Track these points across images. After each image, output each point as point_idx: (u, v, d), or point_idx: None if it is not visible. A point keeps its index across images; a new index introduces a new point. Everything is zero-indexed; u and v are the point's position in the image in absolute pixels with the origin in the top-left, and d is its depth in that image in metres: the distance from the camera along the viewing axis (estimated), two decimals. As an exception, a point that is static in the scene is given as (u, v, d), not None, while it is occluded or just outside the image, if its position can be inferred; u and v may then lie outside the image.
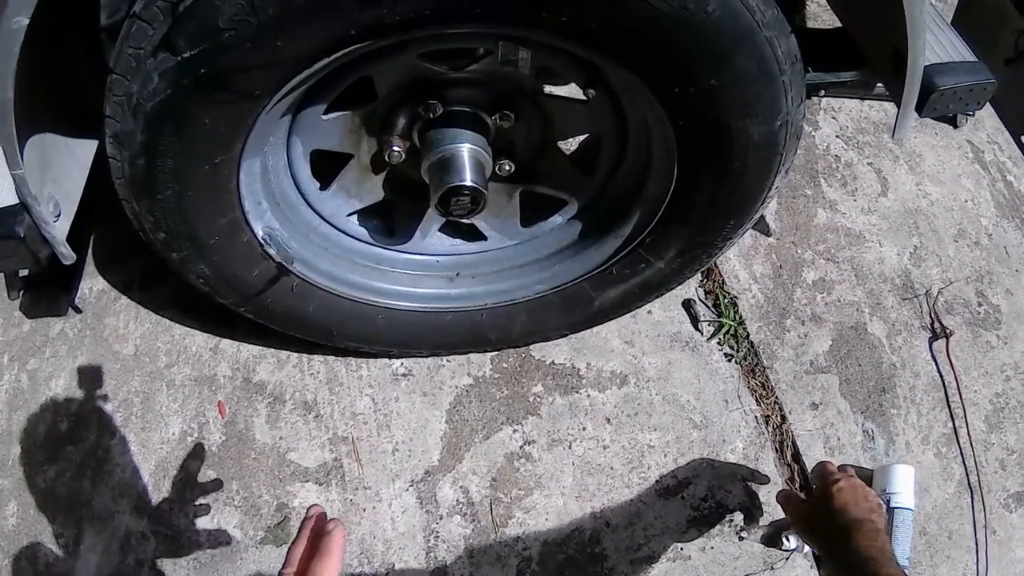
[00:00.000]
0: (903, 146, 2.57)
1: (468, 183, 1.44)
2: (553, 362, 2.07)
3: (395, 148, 1.51)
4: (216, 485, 1.87)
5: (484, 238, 1.80)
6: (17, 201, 1.34)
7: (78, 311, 2.03)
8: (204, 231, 1.46)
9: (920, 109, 1.37)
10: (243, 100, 1.23)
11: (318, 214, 1.68)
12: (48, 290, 2.00)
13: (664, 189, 1.52)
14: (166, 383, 1.95)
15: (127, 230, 1.46)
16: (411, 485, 1.90)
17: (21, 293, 1.99)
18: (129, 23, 1.12)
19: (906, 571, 1.78)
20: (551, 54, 1.39)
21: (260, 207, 1.51)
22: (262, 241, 1.53)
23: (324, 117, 1.46)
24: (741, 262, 2.26)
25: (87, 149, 1.54)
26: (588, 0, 1.11)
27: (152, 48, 1.11)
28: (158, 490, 1.85)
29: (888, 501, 1.86)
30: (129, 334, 1.99)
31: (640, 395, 2.06)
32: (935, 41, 1.40)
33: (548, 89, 1.57)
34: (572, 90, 1.53)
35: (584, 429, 2.00)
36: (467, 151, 1.46)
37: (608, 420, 2.02)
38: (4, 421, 1.94)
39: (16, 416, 1.95)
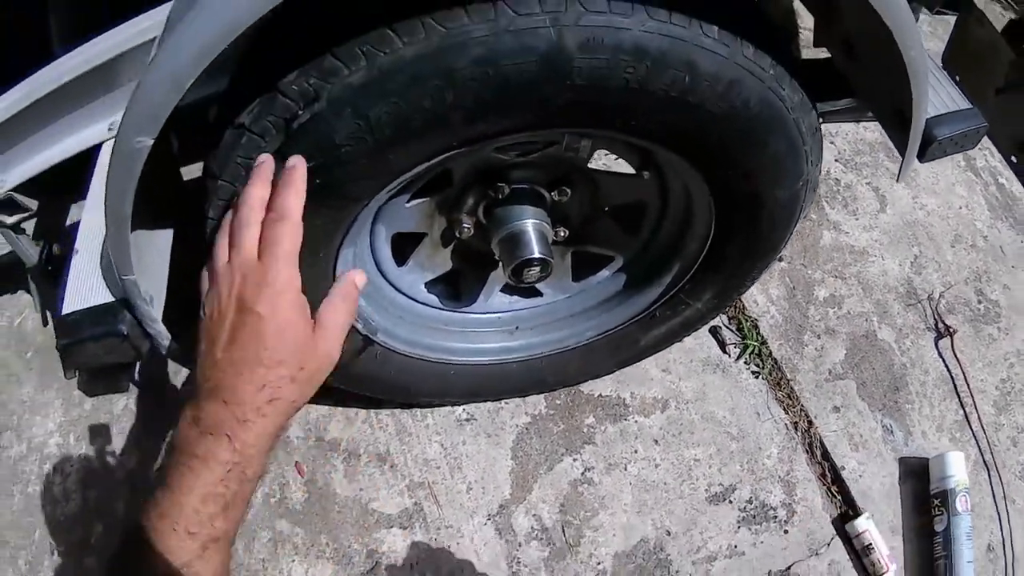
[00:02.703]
0: (898, 163, 2.69)
1: (537, 255, 1.58)
2: (600, 395, 2.23)
3: (465, 225, 1.64)
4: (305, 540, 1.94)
5: (540, 294, 1.94)
6: (113, 299, 1.35)
7: (139, 386, 2.04)
8: None
9: (921, 157, 1.49)
10: (351, 204, 1.31)
11: (395, 288, 1.80)
12: (108, 367, 1.89)
13: (701, 245, 1.68)
14: (244, 450, 2.03)
15: (186, 300, 1.31)
16: (488, 519, 2.04)
17: (77, 372, 1.91)
18: (237, 133, 1.16)
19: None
20: (611, 143, 1.56)
21: None
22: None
23: (407, 205, 1.58)
24: (758, 287, 2.44)
25: (167, 237, 1.47)
26: (653, 110, 1.24)
27: (262, 159, 1.17)
28: (250, 552, 1.93)
29: (964, 481, 2.10)
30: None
31: (681, 416, 2.24)
32: (934, 95, 1.50)
33: (600, 165, 1.71)
34: (621, 164, 1.69)
35: (636, 451, 2.18)
36: (531, 225, 1.60)
37: (656, 441, 2.19)
38: (80, 500, 1.96)
39: (90, 495, 1.98)
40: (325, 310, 1.11)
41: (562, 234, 1.74)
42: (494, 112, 1.20)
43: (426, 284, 1.85)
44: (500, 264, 1.68)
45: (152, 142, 1.07)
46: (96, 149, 1.51)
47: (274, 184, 1.11)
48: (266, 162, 1.12)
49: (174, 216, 1.39)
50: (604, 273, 1.93)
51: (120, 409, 2.06)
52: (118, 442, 2.03)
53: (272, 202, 1.08)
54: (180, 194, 1.44)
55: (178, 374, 2.15)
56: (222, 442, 1.00)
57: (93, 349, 1.36)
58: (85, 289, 1.37)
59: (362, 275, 1.18)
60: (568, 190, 1.64)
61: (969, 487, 2.15)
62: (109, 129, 1.48)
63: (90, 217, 1.48)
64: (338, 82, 1.10)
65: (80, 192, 1.54)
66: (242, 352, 1.02)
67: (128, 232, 1.20)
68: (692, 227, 1.69)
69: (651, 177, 1.62)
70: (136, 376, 2.07)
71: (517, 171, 1.58)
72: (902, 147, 1.46)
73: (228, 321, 1.04)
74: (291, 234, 1.06)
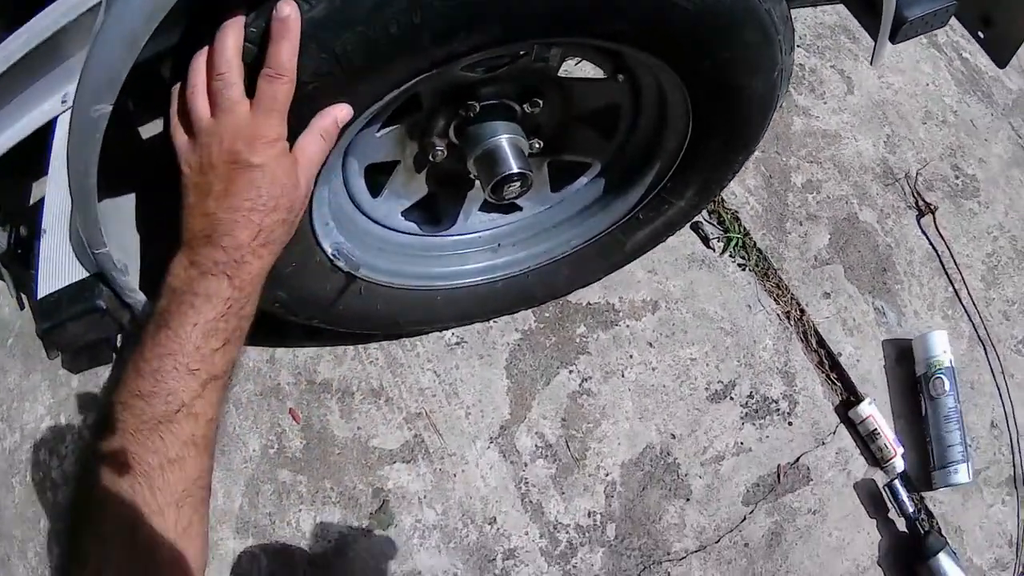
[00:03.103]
0: (860, 44, 2.73)
1: (516, 170, 1.55)
2: (589, 303, 2.21)
3: (438, 148, 1.61)
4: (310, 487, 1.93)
5: (520, 209, 1.91)
6: (88, 274, 1.35)
7: (120, 354, 1.99)
8: (280, 262, 1.45)
9: (893, 38, 1.48)
10: None
11: (372, 220, 1.77)
12: (135, 338, 1.83)
13: (680, 142, 1.66)
14: (233, 404, 1.98)
15: (158, 261, 1.34)
16: (491, 442, 2.03)
17: (60, 352, 1.90)
18: None
19: (963, 415, 2.02)
20: (582, 49, 1.54)
21: (328, 227, 1.59)
22: (331, 257, 1.61)
23: (377, 135, 1.54)
24: (736, 180, 2.38)
25: (130, 202, 1.47)
26: (625, 11, 1.22)
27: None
28: (255, 508, 1.91)
29: (943, 361, 2.09)
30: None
31: (673, 316, 2.22)
32: (902, -24, 1.48)
33: (569, 72, 1.69)
34: (589, 69, 1.67)
35: (631, 357, 2.16)
36: (506, 141, 1.56)
37: (650, 344, 2.18)
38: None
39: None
40: (302, 143, 1.16)
41: (537, 146, 1.71)
42: (463, 29, 1.16)
43: (403, 212, 1.82)
44: (477, 183, 1.67)
45: (111, 108, 1.06)
46: (52, 123, 1.48)
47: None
48: (237, 16, 1.09)
49: (137, 179, 1.38)
50: (583, 180, 1.90)
51: (106, 380, 2.03)
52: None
53: (268, 57, 1.07)
54: (140, 156, 1.43)
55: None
56: (222, 280, 1.05)
57: (74, 328, 1.37)
58: (58, 268, 1.38)
59: (346, 110, 1.19)
60: (539, 101, 1.61)
61: (948, 367, 2.14)
62: (63, 102, 1.45)
63: (53, 194, 1.46)
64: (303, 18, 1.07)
65: (39, 170, 1.52)
66: (237, 200, 1.07)
67: (95, 204, 1.20)
68: (669, 125, 1.67)
69: (624, 79, 1.59)
70: (118, 344, 2.01)
71: (486, 87, 1.54)
72: (874, 30, 1.46)
73: (220, 172, 1.07)
74: (287, 91, 1.09)
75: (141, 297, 1.37)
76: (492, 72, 1.49)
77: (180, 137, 1.12)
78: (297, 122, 1.15)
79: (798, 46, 2.71)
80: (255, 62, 1.07)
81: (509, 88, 1.57)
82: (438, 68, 1.23)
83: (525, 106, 1.61)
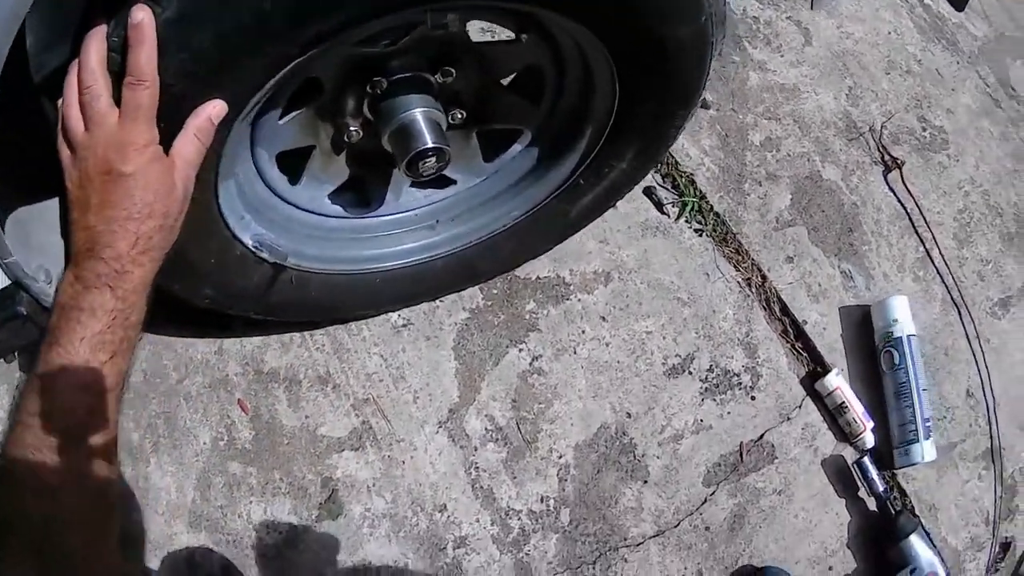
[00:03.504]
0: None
1: (430, 145, 1.49)
2: (538, 277, 2.14)
3: (352, 128, 1.55)
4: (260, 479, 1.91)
5: (453, 182, 1.85)
6: (9, 282, 1.35)
7: None
8: (199, 259, 1.51)
9: None
10: None
11: (296, 207, 1.72)
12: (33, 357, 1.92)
13: (610, 102, 1.58)
14: (183, 397, 1.96)
15: None
16: (440, 426, 1.97)
17: (16, 355, 1.95)
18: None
19: (923, 392, 1.92)
20: (476, 11, 1.46)
21: (244, 220, 1.55)
22: (253, 249, 1.57)
23: (281, 122, 1.49)
24: (689, 140, 2.33)
25: (54, 205, 1.47)
26: None
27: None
28: (207, 501, 1.88)
29: (893, 332, 1.99)
30: (137, 365, 1.98)
31: (626, 288, 2.15)
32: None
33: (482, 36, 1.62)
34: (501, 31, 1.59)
35: (583, 332, 2.09)
36: (420, 114, 1.50)
37: (603, 318, 2.11)
38: None
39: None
40: (177, 145, 1.16)
41: (459, 116, 1.65)
42: (319, 8, 1.13)
43: (329, 196, 1.76)
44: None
45: None
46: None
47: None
48: (97, 27, 1.09)
49: (57, 183, 1.33)
50: (516, 148, 1.82)
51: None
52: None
53: (128, 65, 1.07)
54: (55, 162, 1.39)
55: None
56: (105, 292, 1.06)
57: (0, 335, 1.39)
58: None
59: (219, 106, 1.18)
60: (452, 70, 1.54)
61: (899, 338, 2.08)
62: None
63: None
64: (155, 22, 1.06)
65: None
66: (113, 211, 1.08)
67: None
68: (595, 84, 1.59)
69: (534, 39, 1.52)
70: None
71: (392, 61, 1.48)
72: None
73: (96, 185, 1.09)
74: (149, 95, 1.09)
75: None
76: (392, 45, 1.43)
77: (64, 152, 1.12)
78: (171, 125, 1.14)
79: (751, -1, 2.63)
80: (121, 70, 1.07)
81: (416, 60, 1.50)
82: (310, 50, 1.18)
83: (437, 76, 1.54)
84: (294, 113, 1.50)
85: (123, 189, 1.09)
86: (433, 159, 1.53)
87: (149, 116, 1.09)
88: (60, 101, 1.11)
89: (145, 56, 1.05)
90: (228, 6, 1.07)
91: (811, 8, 1.67)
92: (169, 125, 1.13)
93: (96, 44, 1.07)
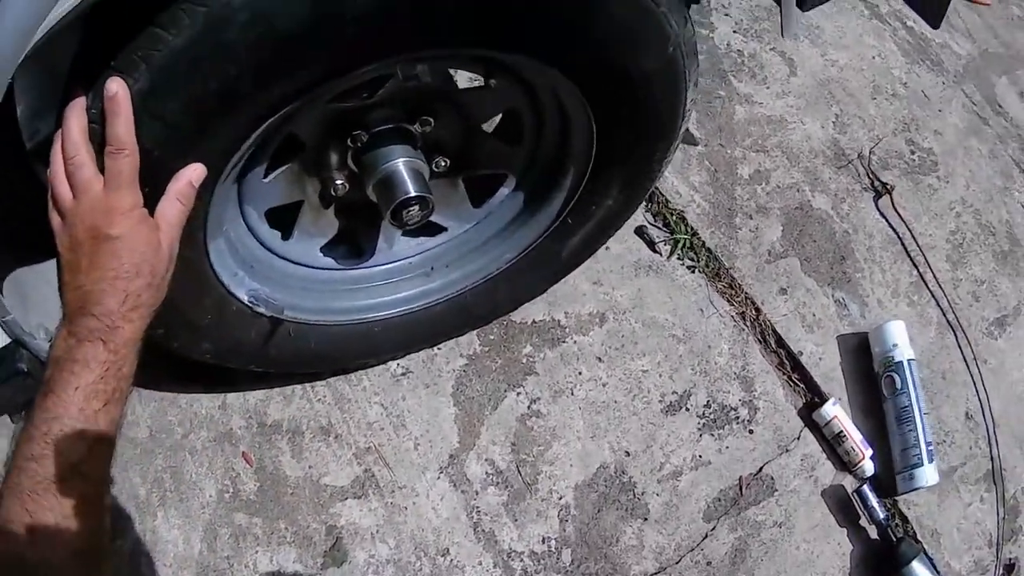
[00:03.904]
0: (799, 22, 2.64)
1: (413, 194, 1.51)
2: (534, 320, 2.15)
3: (337, 182, 1.57)
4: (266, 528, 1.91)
5: (444, 229, 1.86)
6: (9, 340, 1.39)
7: None
8: (196, 316, 1.53)
9: (802, 5, 1.43)
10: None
11: (289, 261, 1.74)
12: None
13: (588, 139, 1.58)
14: (188, 452, 1.97)
15: None
16: (441, 472, 1.98)
17: (23, 414, 1.94)
18: None
19: (925, 416, 1.92)
20: (445, 60, 1.48)
21: (237, 276, 1.57)
22: (249, 304, 1.59)
23: (265, 180, 1.51)
24: (678, 177, 2.35)
25: (51, 265, 1.46)
26: (451, 14, 1.18)
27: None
28: (213, 552, 1.88)
29: (893, 356, 2.00)
30: (138, 418, 1.99)
31: (621, 327, 2.16)
32: (797, -63, 1.41)
33: (457, 84, 1.63)
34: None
35: (580, 373, 2.10)
36: (402, 164, 1.52)
37: (599, 359, 2.12)
38: None
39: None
40: (161, 208, 1.20)
41: (443, 164, 1.67)
42: (287, 72, 1.17)
43: (322, 249, 1.78)
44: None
45: None
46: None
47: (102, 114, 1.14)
48: (76, 100, 1.15)
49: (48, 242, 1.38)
50: (503, 192, 1.84)
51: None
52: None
53: (107, 135, 1.12)
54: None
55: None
56: (97, 345, 1.11)
57: (3, 393, 1.47)
58: None
59: (199, 170, 1.23)
60: (430, 119, 1.56)
61: (900, 363, 2.08)
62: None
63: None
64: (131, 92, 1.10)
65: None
66: (103, 272, 1.13)
67: None
68: (572, 121, 1.61)
69: (505, 83, 1.54)
70: None
71: (370, 114, 1.50)
72: None
73: (85, 249, 1.14)
74: (130, 162, 1.14)
75: None
76: (369, 99, 1.45)
77: (54, 219, 1.18)
78: (155, 188, 1.17)
79: (734, 32, 2.66)
80: (102, 140, 1.12)
81: (394, 111, 1.53)
82: (280, 111, 1.22)
83: (416, 126, 1.56)
84: (279, 170, 1.52)
85: (111, 251, 1.13)
86: (416, 207, 1.55)
87: (132, 182, 1.14)
88: (48, 171, 1.15)
89: (123, 126, 1.11)
90: (195, 74, 1.10)
91: (782, 35, 1.68)
92: (152, 189, 1.17)
93: (77, 116, 1.13)
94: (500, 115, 1.73)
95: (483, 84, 1.55)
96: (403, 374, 2.08)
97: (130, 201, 1.15)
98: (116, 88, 1.09)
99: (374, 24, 1.14)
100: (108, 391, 1.11)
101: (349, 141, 1.52)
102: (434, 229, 1.86)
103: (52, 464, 1.05)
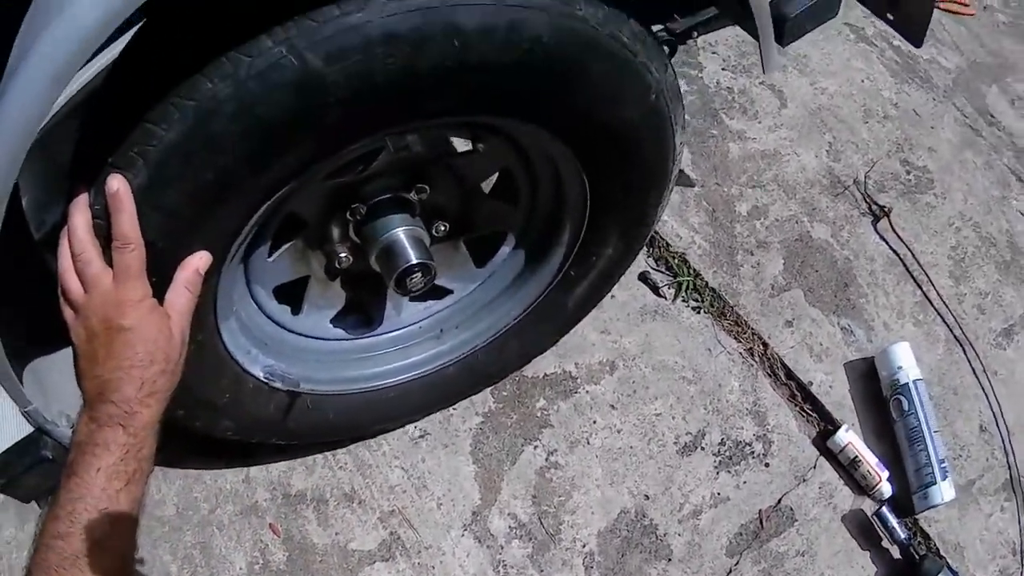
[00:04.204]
0: (787, 54, 2.67)
1: (414, 261, 1.54)
2: (545, 374, 2.17)
3: (341, 255, 1.60)
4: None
5: (450, 291, 1.88)
6: (32, 429, 1.44)
7: None
8: (213, 395, 1.56)
9: (780, 40, 1.44)
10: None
11: (301, 335, 1.76)
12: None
13: (581, 192, 1.61)
14: (216, 527, 1.98)
15: None
16: (465, 530, 1.99)
17: (48, 497, 1.96)
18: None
19: (936, 434, 1.95)
20: (432, 129, 1.51)
21: (251, 354, 1.60)
22: (265, 380, 1.62)
23: (270, 259, 1.54)
24: (677, 220, 2.38)
25: (68, 353, 1.47)
26: (437, 89, 1.21)
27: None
28: None
29: (899, 379, 2.02)
30: (164, 497, 2.01)
31: (632, 374, 2.18)
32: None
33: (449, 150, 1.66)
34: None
35: (595, 422, 2.12)
36: (402, 233, 1.56)
37: (612, 406, 2.14)
38: None
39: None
40: (170, 297, 1.25)
41: (443, 228, 1.70)
42: (277, 156, 1.20)
43: (331, 320, 1.81)
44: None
45: None
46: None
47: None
48: (79, 197, 1.19)
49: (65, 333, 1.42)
50: (505, 250, 1.87)
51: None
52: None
53: (113, 231, 1.16)
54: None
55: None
56: (117, 430, 1.15)
57: (29, 480, 1.50)
58: (6, 427, 1.47)
59: (204, 257, 1.28)
60: (426, 186, 1.60)
61: (905, 384, 2.09)
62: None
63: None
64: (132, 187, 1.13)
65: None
66: (118, 361, 1.17)
67: (8, 370, 1.30)
68: (563, 177, 1.63)
69: (493, 144, 1.57)
70: None
71: (366, 186, 1.54)
72: (754, 33, 1.42)
73: (101, 340, 1.18)
74: (137, 256, 1.18)
75: None
76: (364, 172, 1.48)
77: (67, 312, 1.22)
78: (162, 277, 1.22)
79: (723, 69, 2.69)
80: (108, 234, 1.15)
81: (390, 181, 1.56)
82: (278, 192, 1.25)
83: (413, 194, 1.60)
84: (283, 248, 1.56)
85: (125, 341, 1.17)
86: (419, 274, 1.57)
87: (140, 274, 1.18)
88: (57, 267, 1.19)
89: (127, 222, 1.15)
90: (191, 167, 1.14)
91: (763, 71, 1.69)
92: (160, 278, 1.21)
93: (81, 213, 1.17)
94: (496, 176, 1.76)
95: (470, 149, 1.58)
96: (421, 436, 2.10)
97: (140, 293, 1.19)
98: (117, 185, 1.13)
99: (357, 104, 1.17)
100: (129, 472, 1.15)
101: (348, 214, 1.55)
102: (440, 292, 1.89)
103: (77, 541, 1.09)
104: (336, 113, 1.16)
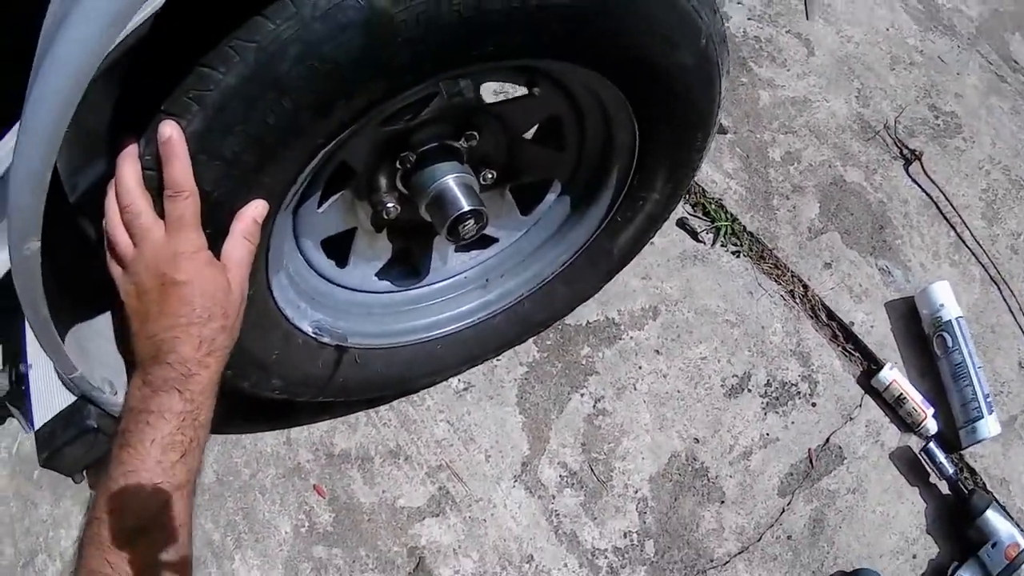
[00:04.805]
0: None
1: (467, 208, 1.52)
2: (588, 322, 2.17)
3: (389, 205, 1.58)
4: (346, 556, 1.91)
5: (496, 240, 1.88)
6: (75, 398, 1.41)
7: None
8: (263, 353, 1.54)
9: None
10: None
11: (348, 288, 1.75)
12: (106, 458, 1.90)
13: (631, 137, 1.60)
14: (258, 491, 1.97)
15: None
16: (515, 480, 1.99)
17: (84, 473, 1.93)
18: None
19: (979, 369, 1.96)
20: (488, 74, 1.49)
21: (300, 308, 1.59)
22: (314, 335, 1.61)
23: (320, 210, 1.52)
24: (712, 166, 2.38)
25: (106, 318, 1.53)
26: (501, 28, 1.19)
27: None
28: None
29: (941, 316, 2.03)
30: (203, 464, 1.95)
31: (675, 319, 2.18)
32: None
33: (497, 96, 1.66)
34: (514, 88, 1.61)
35: (640, 368, 2.12)
36: (453, 181, 1.54)
37: (657, 351, 2.14)
38: None
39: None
40: (227, 248, 1.21)
41: (490, 176, 1.68)
42: (341, 99, 1.16)
43: (378, 273, 1.80)
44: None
45: (39, 243, 1.10)
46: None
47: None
48: (128, 148, 1.14)
49: (105, 294, 1.37)
50: (550, 197, 1.86)
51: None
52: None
53: (165, 178, 1.12)
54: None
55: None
56: (173, 395, 1.10)
57: (73, 452, 1.44)
58: (49, 398, 1.44)
59: (261, 206, 1.23)
60: (475, 133, 1.58)
61: (948, 321, 2.10)
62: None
63: (28, 329, 1.49)
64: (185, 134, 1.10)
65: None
66: (174, 319, 1.12)
67: (54, 334, 1.25)
68: (614, 123, 1.62)
69: (547, 90, 1.55)
70: None
71: (416, 134, 1.52)
72: None
73: (153, 296, 1.13)
74: (191, 204, 1.13)
75: None
76: (414, 120, 1.46)
77: (115, 269, 1.17)
78: (217, 229, 1.18)
79: (749, 19, 2.68)
80: (159, 185, 1.11)
81: (439, 129, 1.54)
82: (336, 137, 1.23)
83: (462, 142, 1.58)
84: (332, 199, 1.54)
85: (180, 297, 1.12)
86: (472, 221, 1.56)
87: (194, 224, 1.14)
88: (104, 221, 1.15)
89: (180, 169, 1.10)
90: (252, 111, 1.11)
91: (807, 18, 1.69)
92: (215, 229, 1.17)
93: (130, 164, 1.12)
94: (542, 124, 1.75)
95: (526, 94, 1.56)
96: (465, 389, 2.10)
97: (195, 243, 1.14)
98: (170, 131, 1.09)
99: (423, 45, 1.15)
100: (185, 441, 1.11)
101: (397, 163, 1.53)
102: (486, 241, 1.88)
103: (132, 516, 1.05)
104: (403, 54, 1.14)
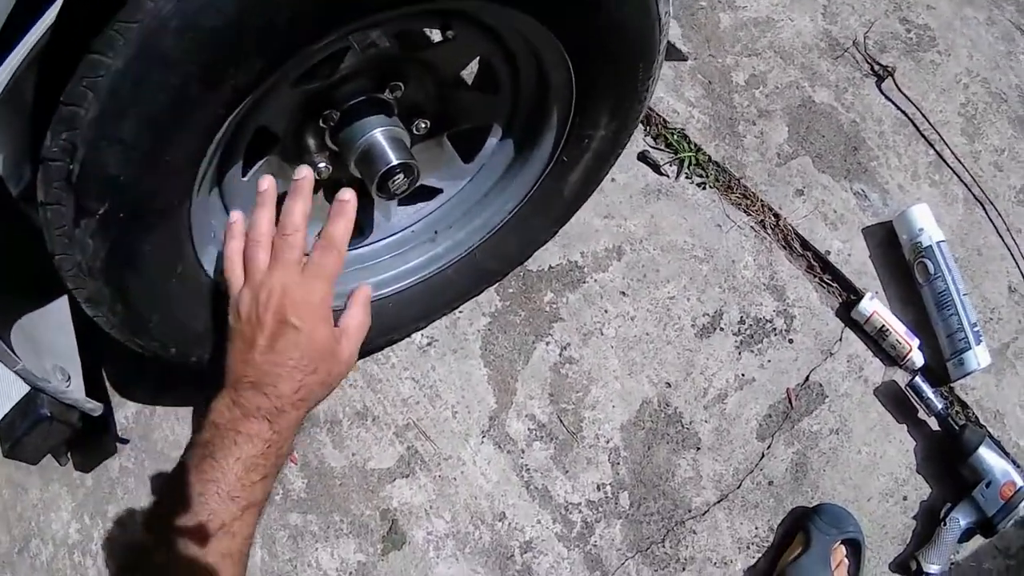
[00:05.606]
0: None
1: (395, 162, 1.47)
2: (550, 266, 2.11)
3: (320, 165, 1.54)
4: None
5: (440, 191, 1.83)
6: (29, 388, 1.42)
7: (125, 442, 2.02)
8: (202, 328, 1.51)
9: None
10: (167, 217, 1.27)
11: None
12: (89, 439, 1.93)
13: (566, 74, 1.52)
14: (230, 461, 1.95)
15: (129, 349, 1.46)
16: (483, 436, 1.95)
17: (69, 455, 1.96)
18: (43, 210, 1.16)
19: (965, 297, 1.88)
20: (397, 21, 1.40)
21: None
22: None
23: (244, 179, 1.47)
24: (673, 95, 2.29)
25: (60, 305, 1.58)
26: None
27: (72, 220, 1.15)
28: (275, 557, 1.87)
29: (921, 242, 1.95)
30: (179, 437, 1.98)
31: (640, 257, 2.11)
32: None
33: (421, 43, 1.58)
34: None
35: (606, 311, 2.06)
36: (380, 134, 1.48)
37: (623, 293, 2.07)
38: (115, 569, 1.89)
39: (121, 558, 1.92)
40: (346, 318, 1.38)
41: (423, 126, 1.63)
42: (230, 67, 1.12)
43: (318, 235, 1.73)
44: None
45: None
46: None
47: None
48: (304, 178, 1.35)
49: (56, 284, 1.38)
50: (492, 142, 1.79)
51: (117, 471, 1.99)
52: (126, 501, 1.97)
53: (325, 231, 1.32)
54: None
55: (154, 415, 2.03)
56: (264, 424, 1.20)
57: (31, 441, 1.48)
58: (7, 388, 1.45)
59: (367, 287, 1.45)
60: (400, 84, 1.51)
61: (929, 247, 2.01)
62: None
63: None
64: (83, 123, 1.07)
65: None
66: (282, 358, 1.24)
67: None
68: (545, 60, 1.54)
69: (466, 32, 1.47)
70: (119, 435, 2.02)
71: (338, 90, 1.46)
72: None
73: (267, 328, 1.25)
74: (336, 261, 1.31)
75: (80, 396, 1.48)
76: (331, 77, 1.40)
77: (235, 276, 1.32)
78: (125, 212, 1.19)
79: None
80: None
81: (361, 83, 1.48)
82: (237, 107, 1.18)
83: (387, 93, 1.51)
84: (256, 166, 1.48)
85: (293, 341, 1.24)
86: (401, 175, 1.51)
87: (332, 279, 1.30)
88: (250, 230, 1.32)
89: (341, 229, 1.32)
90: (142, 92, 1.07)
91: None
92: (127, 215, 1.18)
93: (303, 200, 1.32)
94: (477, 68, 1.70)
95: (440, 40, 1.49)
96: (429, 344, 2.05)
97: (322, 296, 1.29)
98: (347, 195, 1.34)
99: (307, 4, 1.10)
100: (267, 466, 1.21)
101: (322, 122, 1.48)
102: (430, 193, 1.82)
103: (203, 520, 1.14)
104: (282, 14, 1.09)
